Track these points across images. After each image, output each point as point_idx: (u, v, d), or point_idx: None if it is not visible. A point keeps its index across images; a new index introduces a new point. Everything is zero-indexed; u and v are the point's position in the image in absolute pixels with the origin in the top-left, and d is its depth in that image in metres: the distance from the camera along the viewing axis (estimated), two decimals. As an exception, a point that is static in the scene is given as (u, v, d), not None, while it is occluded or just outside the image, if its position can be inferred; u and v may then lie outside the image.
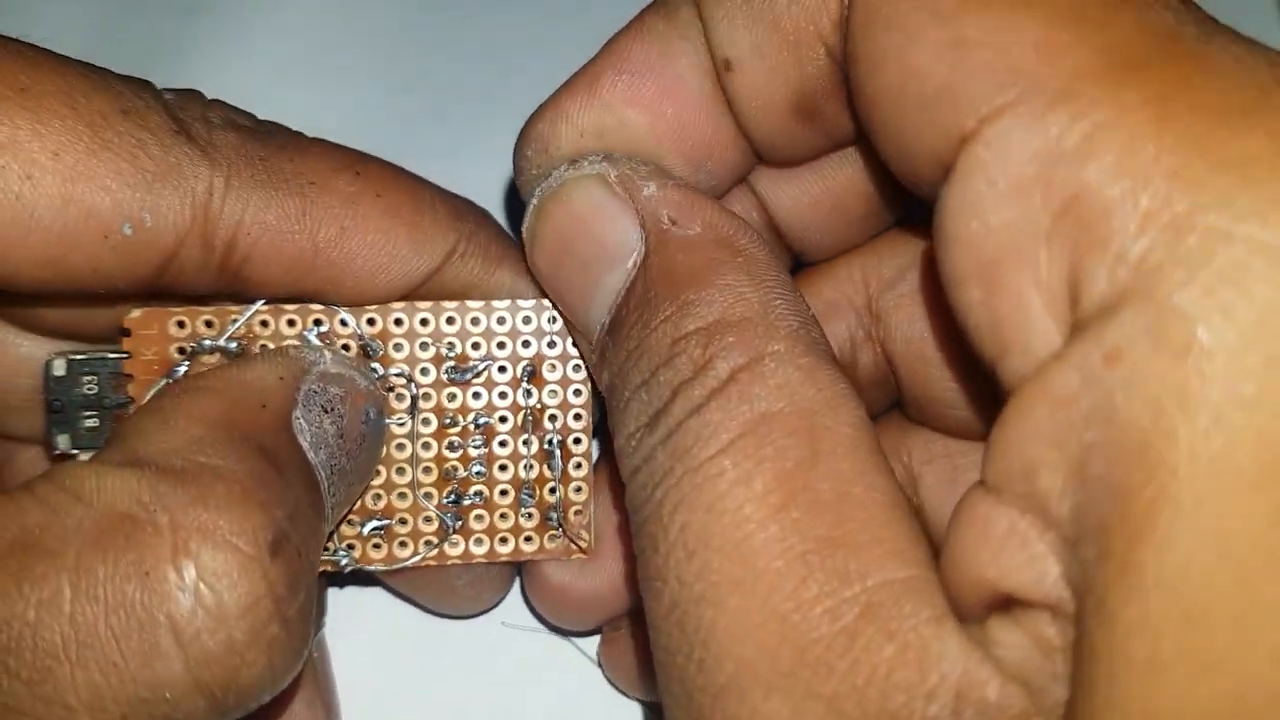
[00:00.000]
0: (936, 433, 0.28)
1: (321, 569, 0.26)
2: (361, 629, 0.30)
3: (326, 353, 0.25)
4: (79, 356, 0.24)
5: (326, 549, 0.26)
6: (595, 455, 0.27)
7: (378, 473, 0.26)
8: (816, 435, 0.19)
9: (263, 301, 0.25)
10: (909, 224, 0.28)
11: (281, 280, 0.24)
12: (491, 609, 0.31)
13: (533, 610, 0.30)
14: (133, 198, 0.21)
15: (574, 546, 0.27)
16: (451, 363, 0.26)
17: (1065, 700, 0.16)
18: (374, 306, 0.25)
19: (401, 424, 0.26)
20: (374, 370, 0.26)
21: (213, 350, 0.25)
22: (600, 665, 0.31)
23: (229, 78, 0.36)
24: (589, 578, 0.28)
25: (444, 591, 0.28)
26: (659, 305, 0.21)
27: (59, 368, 0.24)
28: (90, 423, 0.25)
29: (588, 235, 0.23)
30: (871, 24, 0.19)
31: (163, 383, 0.25)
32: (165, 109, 0.22)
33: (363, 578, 0.31)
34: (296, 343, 0.25)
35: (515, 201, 0.28)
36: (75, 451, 0.25)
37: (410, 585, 0.29)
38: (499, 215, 0.29)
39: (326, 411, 0.23)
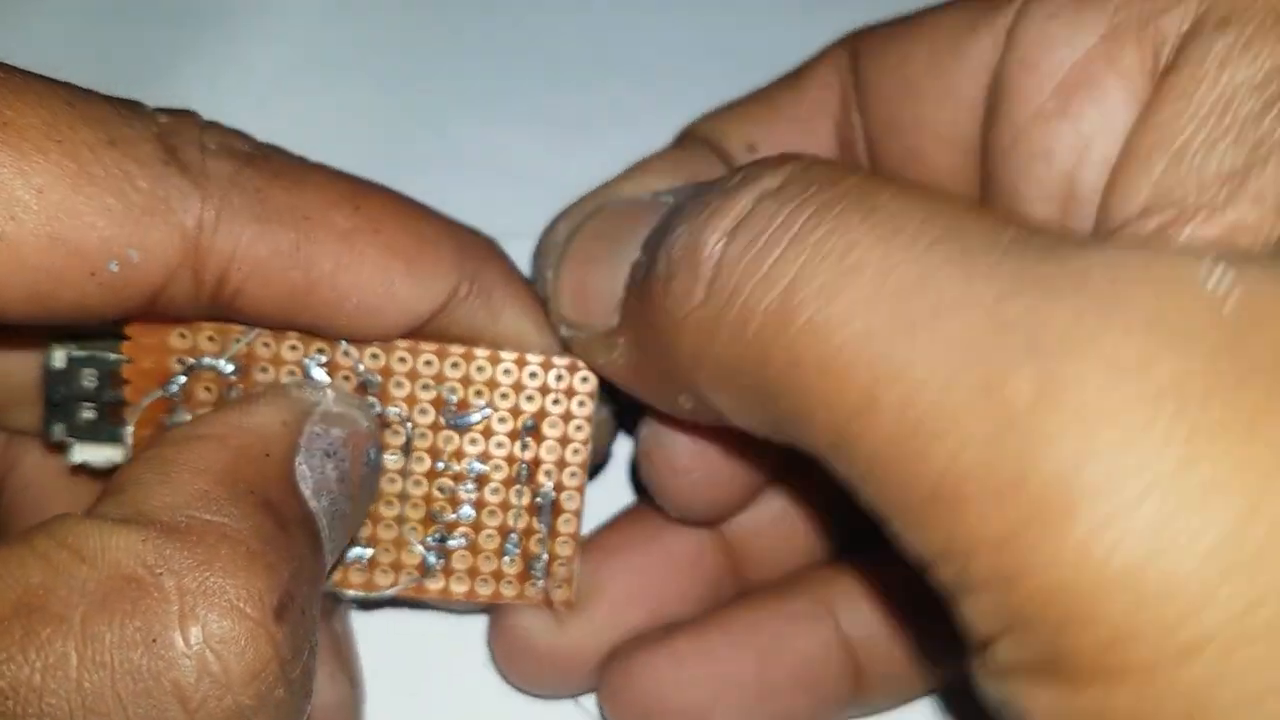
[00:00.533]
0: None
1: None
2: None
3: (329, 391, 0.24)
4: (79, 353, 0.24)
5: (307, 568, 0.26)
6: (582, 517, 0.27)
7: (366, 503, 0.26)
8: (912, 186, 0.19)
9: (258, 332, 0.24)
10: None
11: (274, 314, 0.23)
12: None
13: (499, 671, 0.29)
14: (120, 234, 0.20)
15: (553, 598, 0.27)
16: (451, 408, 0.26)
17: None
18: (378, 342, 0.25)
19: (394, 458, 0.26)
20: (371, 404, 0.25)
21: (210, 368, 0.24)
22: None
23: (226, 83, 0.34)
24: (562, 634, 0.27)
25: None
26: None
27: (58, 360, 0.24)
28: (88, 414, 0.25)
29: (622, 218, 0.24)
30: None
31: (158, 394, 0.24)
32: (156, 136, 0.21)
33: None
34: (297, 376, 0.24)
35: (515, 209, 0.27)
36: (71, 441, 0.25)
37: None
38: (501, 220, 0.28)
39: (329, 456, 0.22)
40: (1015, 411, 0.15)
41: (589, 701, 0.29)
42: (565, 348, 0.26)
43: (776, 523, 0.28)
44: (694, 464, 0.26)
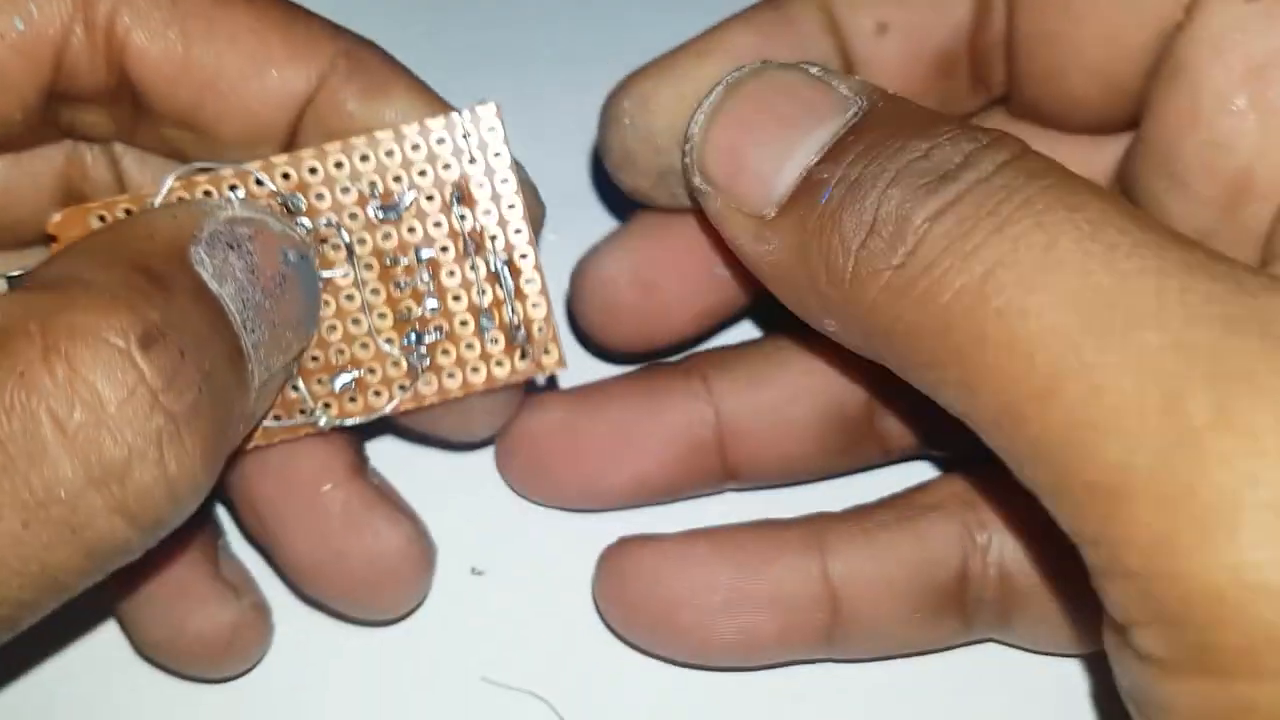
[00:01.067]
0: (1046, 129, 0.27)
1: (304, 432, 0.26)
2: (333, 681, 0.30)
3: (235, 200, 0.25)
4: (15, 274, 0.25)
5: (302, 412, 0.26)
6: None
7: (334, 328, 0.26)
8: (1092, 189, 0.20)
9: (174, 177, 0.25)
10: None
11: (162, 86, 0.24)
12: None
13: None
14: None
15: (543, 364, 0.27)
16: (376, 201, 0.26)
17: None
18: (283, 159, 0.25)
19: (345, 275, 0.26)
20: (302, 225, 0.25)
21: None
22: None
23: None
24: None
25: (443, 424, 0.28)
26: (906, 121, 0.22)
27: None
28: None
29: (794, 96, 0.23)
30: None
31: None
32: None
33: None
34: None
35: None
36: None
37: (417, 421, 0.28)
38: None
39: (232, 248, 0.23)
40: (1191, 428, 0.17)
41: (552, 696, 0.29)
42: (692, 199, 0.26)
43: (775, 415, 0.28)
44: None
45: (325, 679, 0.29)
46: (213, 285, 0.22)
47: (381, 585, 0.27)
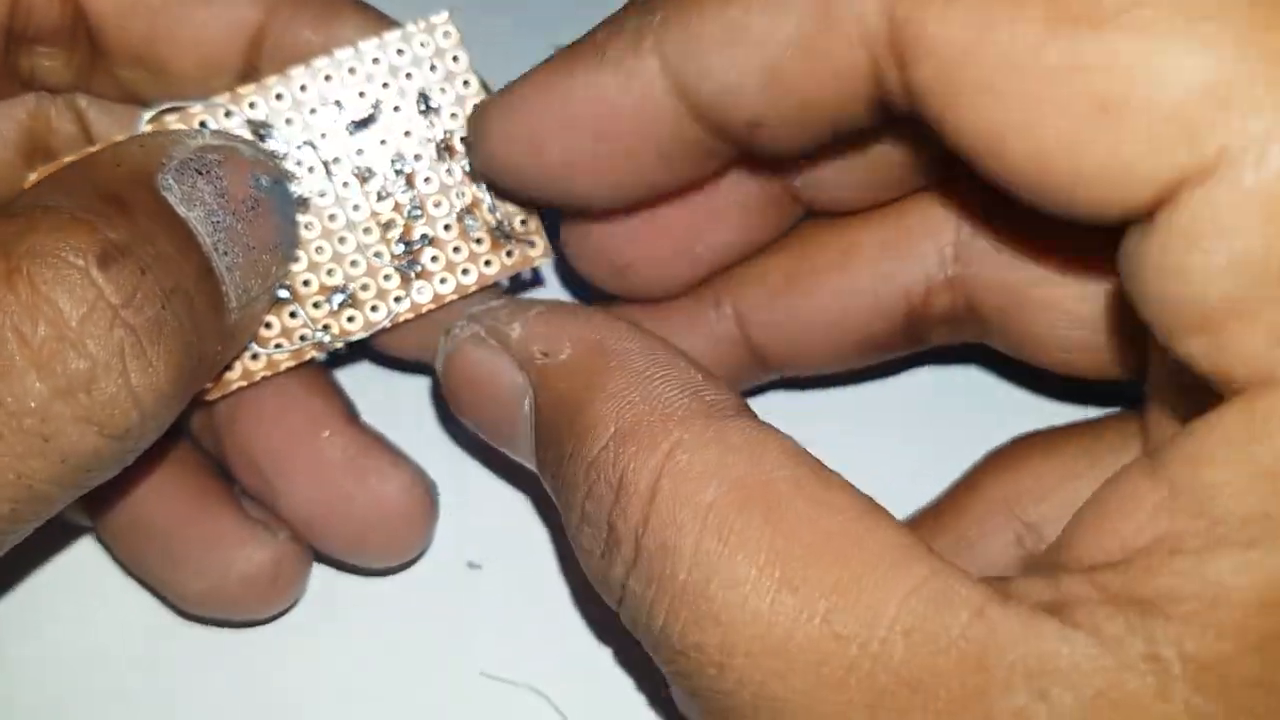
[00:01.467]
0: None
1: (309, 355, 0.27)
2: (330, 678, 0.30)
3: (206, 131, 0.25)
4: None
5: (303, 337, 0.27)
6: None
7: (322, 249, 0.27)
8: (765, 494, 0.19)
9: (147, 118, 0.25)
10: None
11: (114, 20, 0.25)
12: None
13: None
14: None
15: (530, 257, 0.27)
16: (345, 118, 0.26)
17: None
18: (250, 89, 0.26)
19: (325, 195, 0.26)
20: (276, 153, 0.26)
21: None
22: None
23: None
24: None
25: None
26: (561, 439, 0.22)
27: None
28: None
29: (484, 397, 0.24)
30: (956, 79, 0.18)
31: None
32: None
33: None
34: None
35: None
36: None
37: (402, 346, 0.29)
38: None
39: (200, 174, 0.23)
40: None
41: (550, 690, 0.29)
42: None
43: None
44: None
45: (323, 674, 0.29)
46: (180, 209, 0.22)
47: (386, 530, 0.28)
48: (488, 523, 0.31)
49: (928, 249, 0.27)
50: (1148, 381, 0.24)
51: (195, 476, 0.28)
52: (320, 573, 0.29)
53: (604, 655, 0.30)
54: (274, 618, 0.29)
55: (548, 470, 0.23)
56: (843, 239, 0.27)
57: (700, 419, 0.20)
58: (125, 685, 0.29)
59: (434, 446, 0.31)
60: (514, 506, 0.31)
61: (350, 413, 0.28)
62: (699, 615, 0.19)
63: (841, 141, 0.24)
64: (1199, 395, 0.18)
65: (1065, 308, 0.25)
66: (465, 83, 0.27)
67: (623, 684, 0.29)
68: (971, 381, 0.32)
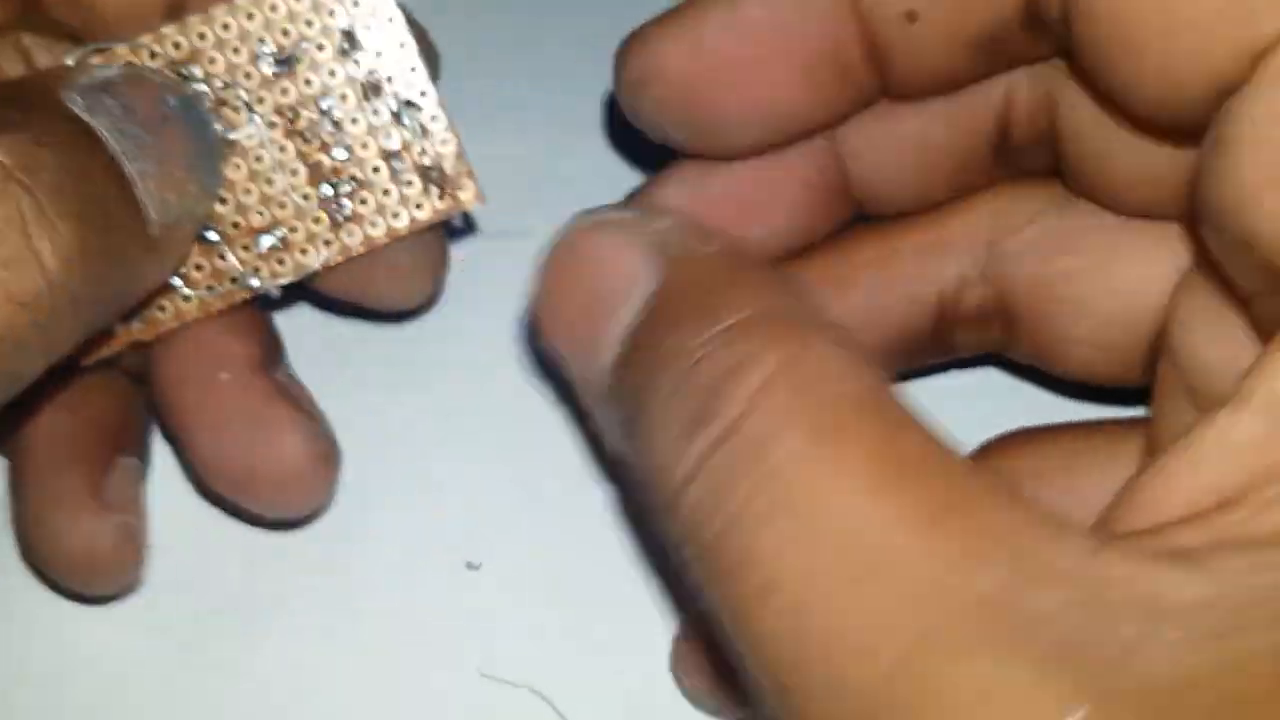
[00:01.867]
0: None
1: (239, 297, 0.27)
2: (329, 677, 0.29)
3: (115, 66, 0.25)
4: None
5: (234, 280, 0.27)
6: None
7: (249, 191, 0.26)
8: (882, 410, 0.18)
9: (70, 59, 0.25)
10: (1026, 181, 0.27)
11: None
12: (436, 296, 0.30)
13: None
14: None
15: (461, 200, 0.27)
16: (269, 57, 0.26)
17: None
18: (173, 29, 0.25)
19: (250, 136, 0.26)
20: (201, 92, 0.26)
21: None
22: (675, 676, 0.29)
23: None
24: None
25: (377, 281, 0.28)
26: (685, 313, 0.20)
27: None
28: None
29: (591, 282, 0.22)
30: None
31: None
32: None
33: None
34: None
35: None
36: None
37: (340, 286, 0.28)
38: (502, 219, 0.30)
39: (104, 90, 0.23)
40: None
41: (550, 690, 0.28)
42: None
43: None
44: None
45: (320, 674, 0.29)
46: (84, 115, 0.22)
47: (278, 483, 0.27)
48: (488, 523, 0.31)
49: (964, 249, 0.27)
50: (1158, 378, 0.24)
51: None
52: (319, 572, 0.30)
53: (604, 655, 0.29)
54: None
55: (651, 345, 0.20)
56: (883, 242, 0.28)
57: (836, 334, 0.19)
58: (125, 685, 0.29)
59: (435, 449, 0.31)
60: (514, 506, 0.31)
61: (262, 354, 0.27)
62: (792, 501, 0.17)
63: (979, 67, 0.24)
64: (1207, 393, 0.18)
65: (1097, 305, 0.25)
66: (390, 19, 0.26)
67: (623, 684, 0.29)
68: (986, 384, 0.32)
